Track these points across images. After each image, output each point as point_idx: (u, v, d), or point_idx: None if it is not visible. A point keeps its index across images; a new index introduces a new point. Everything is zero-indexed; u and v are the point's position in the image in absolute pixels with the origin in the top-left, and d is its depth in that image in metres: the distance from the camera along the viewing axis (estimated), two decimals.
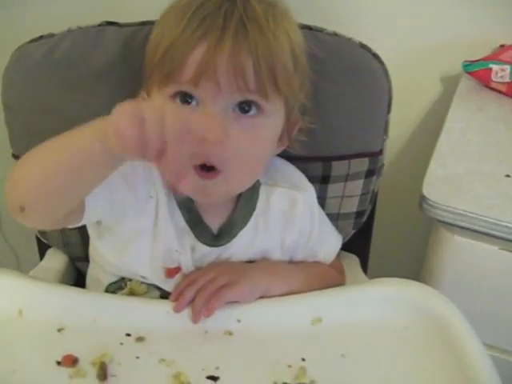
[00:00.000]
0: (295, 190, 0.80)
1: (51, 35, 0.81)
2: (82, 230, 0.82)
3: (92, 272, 0.85)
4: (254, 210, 0.79)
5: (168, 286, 0.78)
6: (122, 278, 0.80)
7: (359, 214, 0.89)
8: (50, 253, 0.93)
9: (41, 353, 0.68)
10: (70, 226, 0.72)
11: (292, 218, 0.81)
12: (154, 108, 0.54)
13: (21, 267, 1.43)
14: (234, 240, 0.78)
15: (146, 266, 0.78)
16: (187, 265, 0.77)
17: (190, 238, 0.77)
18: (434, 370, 0.66)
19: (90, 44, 0.80)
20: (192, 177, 0.69)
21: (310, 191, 0.82)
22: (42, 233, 0.91)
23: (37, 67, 0.81)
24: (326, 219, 0.87)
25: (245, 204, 0.78)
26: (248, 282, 0.73)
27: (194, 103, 0.68)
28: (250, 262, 0.80)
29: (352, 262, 0.91)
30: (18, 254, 1.40)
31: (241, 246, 0.79)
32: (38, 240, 0.95)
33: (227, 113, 0.69)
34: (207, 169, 0.70)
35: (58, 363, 0.66)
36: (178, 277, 0.77)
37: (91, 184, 0.62)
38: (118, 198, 0.70)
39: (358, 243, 0.94)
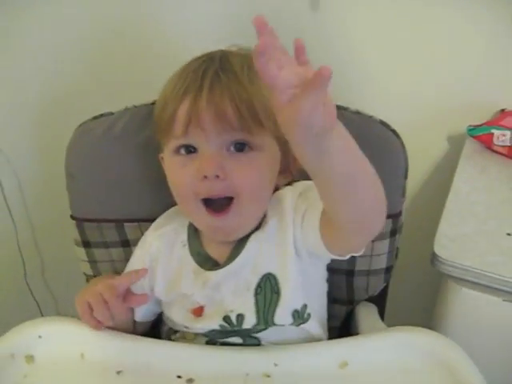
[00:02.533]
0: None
1: (111, 113, 0.93)
2: None
3: None
4: (250, 234, 0.84)
5: (197, 324, 0.84)
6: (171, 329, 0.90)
7: (388, 269, 0.97)
8: None
9: None
10: None
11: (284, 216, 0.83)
12: (93, 292, 0.77)
13: (59, 310, 1.54)
14: (238, 258, 0.83)
15: (180, 316, 0.86)
16: (208, 298, 0.83)
17: (201, 274, 0.84)
18: None
19: (142, 119, 0.92)
20: (205, 217, 0.79)
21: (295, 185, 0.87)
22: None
23: (98, 141, 0.93)
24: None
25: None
26: None
27: (195, 154, 0.78)
28: (265, 276, 0.82)
29: (371, 310, 0.98)
30: (57, 298, 1.50)
31: (248, 263, 0.83)
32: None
33: (222, 152, 0.77)
34: (218, 209, 0.78)
35: None
36: (204, 314, 0.83)
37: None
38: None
39: (377, 294, 1.00)
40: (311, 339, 0.85)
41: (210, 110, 0.76)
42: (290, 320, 0.82)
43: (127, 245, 0.96)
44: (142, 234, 0.94)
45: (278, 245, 0.82)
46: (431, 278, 0.98)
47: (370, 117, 0.91)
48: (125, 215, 0.95)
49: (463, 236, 0.92)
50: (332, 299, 0.97)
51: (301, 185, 0.85)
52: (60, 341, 0.81)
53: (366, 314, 0.97)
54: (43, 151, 1.41)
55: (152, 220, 0.93)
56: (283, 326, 0.82)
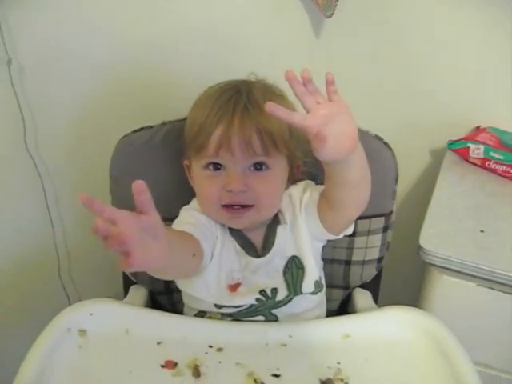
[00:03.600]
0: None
1: (150, 127, 1.08)
2: None
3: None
4: (278, 224, 1.02)
5: (231, 300, 0.98)
6: (200, 311, 1.03)
7: (379, 259, 1.13)
8: (133, 289, 1.14)
9: (148, 359, 0.88)
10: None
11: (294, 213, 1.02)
12: None
13: None
14: (273, 248, 1.00)
15: (212, 288, 0.99)
16: (245, 278, 0.98)
17: (244, 257, 0.99)
18: (432, 371, 0.87)
19: (178, 132, 1.06)
20: (221, 213, 0.95)
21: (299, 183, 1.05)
22: (133, 274, 1.13)
23: (138, 151, 1.07)
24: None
25: (271, 223, 1.02)
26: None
27: (222, 168, 0.94)
28: (291, 258, 1.00)
29: (366, 295, 1.13)
30: (81, 295, 1.62)
31: (278, 251, 1.01)
32: (124, 279, 1.17)
33: (245, 171, 0.94)
34: (235, 206, 0.94)
35: (162, 366, 0.87)
36: (239, 290, 0.98)
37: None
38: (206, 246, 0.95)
39: (371, 282, 1.16)
40: (318, 306, 1.04)
41: (239, 138, 0.92)
42: (313, 288, 1.01)
43: None
44: None
45: (296, 232, 1.00)
46: (417, 267, 1.12)
47: (367, 132, 1.07)
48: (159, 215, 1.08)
49: (444, 232, 1.06)
50: (331, 285, 1.13)
51: (302, 184, 1.04)
52: (108, 318, 0.94)
53: (362, 298, 1.12)
54: (78, 161, 1.56)
55: None
56: (307, 294, 1.00)
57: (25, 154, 1.48)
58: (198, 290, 1.00)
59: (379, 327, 0.95)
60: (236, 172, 0.93)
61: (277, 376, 0.86)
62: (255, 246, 1.01)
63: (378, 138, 1.08)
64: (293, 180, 1.03)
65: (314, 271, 1.01)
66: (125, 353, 0.90)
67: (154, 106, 1.31)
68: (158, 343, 0.92)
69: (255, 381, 0.85)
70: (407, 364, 0.89)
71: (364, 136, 1.05)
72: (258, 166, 0.95)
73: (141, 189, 0.68)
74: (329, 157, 0.78)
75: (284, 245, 1.01)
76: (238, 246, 1.00)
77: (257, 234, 1.02)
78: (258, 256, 1.00)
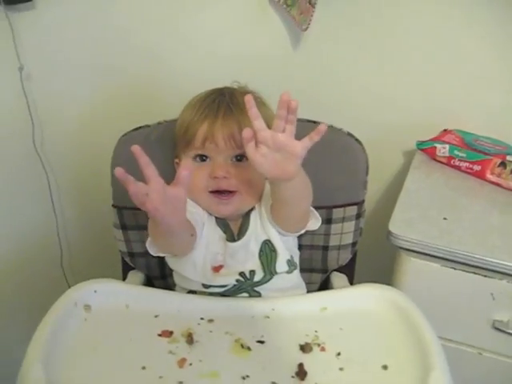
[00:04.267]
0: None
1: (147, 126, 1.20)
2: (160, 258, 1.16)
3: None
4: (251, 211, 1.12)
5: (215, 280, 1.09)
6: (190, 291, 1.13)
7: (354, 244, 1.23)
8: (131, 274, 1.26)
9: (146, 329, 0.98)
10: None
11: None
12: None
13: None
14: (247, 233, 1.11)
15: (199, 268, 1.09)
16: (226, 261, 1.09)
17: (224, 242, 1.10)
18: (398, 339, 0.96)
19: (172, 130, 1.17)
20: (213, 203, 1.07)
21: None
22: (132, 260, 1.24)
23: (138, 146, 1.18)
24: None
25: (246, 215, 1.12)
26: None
27: (208, 160, 1.07)
28: (264, 242, 1.10)
29: (342, 278, 1.24)
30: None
31: (252, 236, 1.10)
32: (124, 264, 1.28)
33: (228, 162, 1.06)
34: (223, 193, 1.06)
35: (159, 335, 0.96)
36: (221, 271, 1.09)
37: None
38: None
39: (347, 266, 1.26)
40: (298, 286, 1.15)
41: (222, 132, 1.05)
42: (286, 267, 1.11)
43: None
44: None
45: (263, 219, 1.11)
46: (388, 252, 1.22)
47: (340, 129, 1.20)
48: None
49: (411, 219, 1.18)
50: (310, 269, 1.25)
51: None
52: (110, 295, 1.03)
53: (339, 280, 1.23)
54: (80, 158, 1.68)
55: None
56: (282, 273, 1.10)
57: (32, 151, 1.60)
58: (187, 269, 1.11)
59: (353, 301, 1.05)
60: (220, 161, 1.06)
61: (261, 342, 0.96)
62: (233, 232, 1.12)
63: (349, 134, 1.20)
64: None
65: (284, 252, 1.12)
66: (125, 325, 0.99)
67: (150, 108, 1.43)
68: (155, 316, 1.01)
69: (242, 346, 0.95)
70: (377, 332, 0.99)
71: (337, 133, 1.19)
72: (239, 157, 1.07)
73: (139, 152, 0.85)
74: (256, 166, 0.92)
75: (256, 230, 1.12)
76: (221, 232, 1.11)
77: (235, 222, 1.12)
78: (234, 240, 1.11)
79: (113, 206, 1.21)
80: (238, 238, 1.11)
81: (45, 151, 1.63)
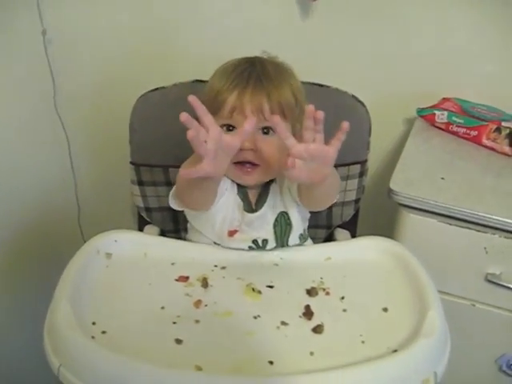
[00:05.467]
0: None
1: (163, 87, 1.24)
2: (174, 211, 1.22)
3: None
4: (272, 182, 1.15)
5: (228, 243, 1.12)
6: None
7: (357, 201, 1.30)
8: (147, 228, 1.32)
9: (163, 275, 1.03)
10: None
11: None
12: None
13: None
14: (265, 204, 1.14)
15: (216, 229, 1.13)
16: (241, 227, 1.12)
17: (242, 211, 1.13)
18: (397, 285, 1.02)
19: (187, 93, 1.22)
20: (233, 171, 1.08)
21: None
22: (148, 215, 1.31)
23: (155, 106, 1.24)
24: None
25: (266, 182, 1.15)
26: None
27: (234, 130, 1.06)
28: (280, 214, 1.14)
29: (345, 233, 1.32)
30: None
31: (270, 207, 1.14)
32: (140, 219, 1.35)
33: (254, 134, 1.04)
34: (246, 164, 1.07)
35: (176, 280, 1.02)
36: (236, 236, 1.12)
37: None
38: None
39: (350, 223, 1.34)
40: None
41: (251, 103, 1.04)
42: (298, 241, 1.16)
43: (170, 184, 1.27)
44: None
45: (284, 193, 1.15)
46: (389, 210, 1.28)
47: (345, 92, 1.26)
48: (170, 162, 1.25)
49: (411, 178, 1.24)
50: (316, 225, 1.31)
51: None
52: (129, 244, 1.09)
53: (342, 236, 1.30)
54: (99, 118, 1.74)
55: None
56: (293, 246, 1.15)
57: (53, 111, 1.66)
58: (205, 226, 1.15)
59: (355, 252, 1.12)
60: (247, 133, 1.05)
61: (271, 287, 1.02)
62: (251, 201, 1.15)
63: (354, 97, 1.27)
64: None
65: (299, 226, 1.16)
66: (144, 271, 1.05)
67: (166, 71, 1.48)
68: (172, 264, 1.07)
69: (253, 289, 1.01)
70: (377, 279, 1.06)
71: (343, 95, 1.25)
72: (266, 130, 1.07)
73: (196, 103, 0.89)
74: (291, 178, 0.97)
75: (274, 201, 1.15)
76: (239, 201, 1.14)
77: (254, 192, 1.15)
78: (252, 211, 1.13)
79: (131, 163, 1.27)
80: (256, 209, 1.14)
81: (64, 111, 1.68)
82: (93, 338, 0.87)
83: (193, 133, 0.84)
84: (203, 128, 0.87)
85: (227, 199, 1.13)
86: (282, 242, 1.14)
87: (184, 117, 0.85)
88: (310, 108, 0.90)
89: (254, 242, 1.13)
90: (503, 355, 1.30)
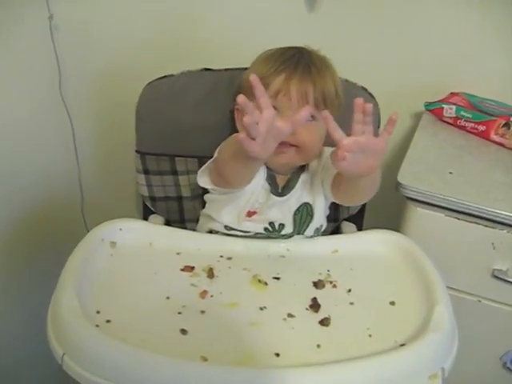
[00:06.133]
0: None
1: (171, 75, 1.22)
2: (180, 201, 1.23)
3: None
4: (303, 171, 1.15)
5: (243, 224, 1.12)
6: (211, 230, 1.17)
7: None
8: (151, 218, 1.31)
9: (169, 265, 1.02)
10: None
11: (319, 166, 1.16)
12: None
13: None
14: (292, 191, 1.14)
15: (237, 208, 1.12)
16: (262, 210, 1.12)
17: (267, 193, 1.13)
18: (405, 278, 1.02)
19: (195, 81, 1.22)
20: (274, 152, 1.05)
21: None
22: (153, 204, 1.29)
23: (162, 95, 1.22)
24: None
25: (297, 169, 1.16)
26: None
27: (276, 112, 1.00)
28: (304, 204, 1.14)
29: (352, 227, 1.31)
30: None
31: (296, 195, 1.14)
32: (144, 209, 1.33)
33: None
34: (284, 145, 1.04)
35: (182, 270, 1.01)
36: (254, 217, 1.12)
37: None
38: None
39: (356, 216, 1.33)
40: None
41: (297, 88, 1.05)
42: (312, 233, 1.16)
43: (176, 174, 1.27)
44: (187, 167, 1.25)
45: (314, 185, 1.14)
46: (396, 204, 1.27)
47: (355, 84, 1.25)
48: (176, 151, 1.25)
49: (419, 172, 1.23)
50: None
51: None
52: (134, 233, 1.07)
53: (349, 229, 1.29)
54: (102, 104, 1.72)
55: (196, 157, 1.24)
56: (306, 236, 1.15)
57: (58, 97, 1.64)
58: (221, 209, 1.14)
59: (362, 245, 1.11)
60: (290, 115, 1.02)
61: (277, 278, 1.01)
62: (278, 186, 1.15)
63: (363, 88, 1.26)
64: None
65: (319, 219, 1.17)
66: (149, 260, 1.04)
67: (173, 59, 1.47)
68: (177, 253, 1.06)
69: (259, 281, 1.00)
70: (385, 273, 1.05)
71: (351, 86, 1.24)
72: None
73: (256, 82, 0.87)
74: (340, 170, 0.96)
75: (302, 191, 1.15)
76: (266, 184, 1.14)
77: (282, 177, 1.15)
78: (278, 195, 1.14)
79: (136, 151, 1.26)
80: (283, 193, 1.14)
81: (69, 98, 1.66)
82: (97, 326, 0.86)
83: (249, 120, 0.83)
84: (257, 110, 0.86)
85: (257, 182, 1.11)
86: (299, 230, 1.15)
87: (241, 98, 0.84)
88: (359, 100, 0.90)
89: (271, 224, 1.13)
90: (508, 352, 1.29)
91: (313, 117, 1.06)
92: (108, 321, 0.88)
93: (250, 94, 0.88)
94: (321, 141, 1.12)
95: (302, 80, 1.06)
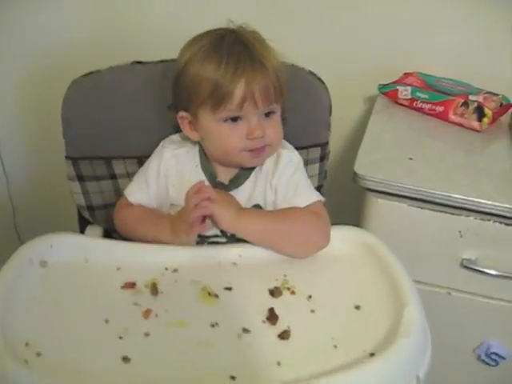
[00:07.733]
0: (282, 149, 1.07)
1: (98, 71, 1.10)
2: None
3: None
4: (253, 169, 1.06)
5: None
6: None
7: (319, 187, 1.19)
8: (89, 229, 1.20)
9: (108, 283, 0.91)
10: None
11: (275, 171, 1.07)
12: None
13: None
14: (240, 188, 1.05)
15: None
16: None
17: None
18: (370, 279, 0.94)
19: (124, 76, 1.10)
20: (243, 156, 1.01)
21: (294, 152, 1.08)
22: (91, 214, 1.18)
23: (89, 93, 1.10)
24: (309, 181, 1.09)
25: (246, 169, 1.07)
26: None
27: (239, 120, 0.99)
28: (254, 206, 1.05)
29: None
30: None
31: (244, 193, 1.05)
32: (80, 219, 1.22)
33: (260, 120, 1.00)
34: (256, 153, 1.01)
35: (122, 287, 0.90)
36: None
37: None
38: None
39: None
40: None
41: (260, 89, 0.97)
42: None
43: (114, 177, 1.16)
44: (127, 169, 1.14)
45: (266, 185, 1.06)
46: (355, 196, 1.20)
47: (302, 68, 1.15)
48: (112, 153, 1.14)
49: (376, 160, 1.16)
50: None
51: (295, 160, 1.08)
52: (67, 249, 0.95)
53: None
54: (27, 108, 1.60)
55: (135, 157, 1.14)
56: None
57: None
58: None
59: None
60: (255, 121, 0.99)
61: (229, 289, 0.91)
62: (221, 181, 1.06)
63: (311, 73, 1.16)
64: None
65: None
66: (86, 279, 0.93)
67: (105, 52, 1.34)
68: (118, 269, 0.95)
69: (209, 293, 0.90)
70: (347, 274, 0.96)
71: (299, 71, 1.15)
72: (267, 113, 1.02)
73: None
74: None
75: (252, 190, 1.06)
76: (207, 182, 1.04)
77: (227, 173, 1.07)
78: (225, 188, 1.05)
79: (66, 157, 1.13)
80: (229, 188, 1.06)
81: None
82: (26, 362, 0.75)
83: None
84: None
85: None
86: None
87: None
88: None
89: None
90: (481, 344, 1.24)
91: (270, 112, 1.02)
92: (38, 353, 0.77)
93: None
94: (282, 129, 1.06)
95: (261, 79, 0.98)
